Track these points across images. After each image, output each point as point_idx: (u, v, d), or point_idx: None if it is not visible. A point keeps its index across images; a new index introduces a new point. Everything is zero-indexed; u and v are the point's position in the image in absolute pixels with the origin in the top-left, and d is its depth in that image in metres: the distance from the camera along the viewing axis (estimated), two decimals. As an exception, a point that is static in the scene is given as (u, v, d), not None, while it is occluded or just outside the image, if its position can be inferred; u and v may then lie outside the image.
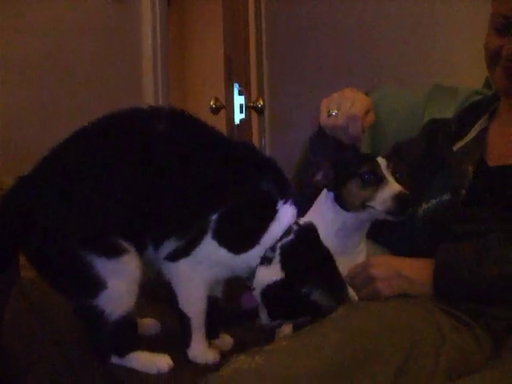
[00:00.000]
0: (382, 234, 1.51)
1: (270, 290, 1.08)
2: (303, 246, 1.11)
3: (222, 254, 1.10)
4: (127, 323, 1.09)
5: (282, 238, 1.10)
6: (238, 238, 1.11)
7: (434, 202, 1.40)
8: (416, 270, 1.21)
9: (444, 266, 1.18)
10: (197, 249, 1.10)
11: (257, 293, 1.11)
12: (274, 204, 1.12)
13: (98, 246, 1.05)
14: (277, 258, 1.08)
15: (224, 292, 1.25)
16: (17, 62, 2.54)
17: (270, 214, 1.11)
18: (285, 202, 1.13)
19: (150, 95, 3.00)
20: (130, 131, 1.09)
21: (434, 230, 1.36)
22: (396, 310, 1.06)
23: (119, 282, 1.06)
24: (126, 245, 1.06)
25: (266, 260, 1.10)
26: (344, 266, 1.28)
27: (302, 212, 1.34)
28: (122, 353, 1.10)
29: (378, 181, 1.21)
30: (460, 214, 1.31)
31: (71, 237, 1.05)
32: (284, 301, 1.09)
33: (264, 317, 1.12)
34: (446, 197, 1.37)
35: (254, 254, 1.11)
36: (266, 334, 1.22)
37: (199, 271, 1.12)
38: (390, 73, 2.24)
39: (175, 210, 1.08)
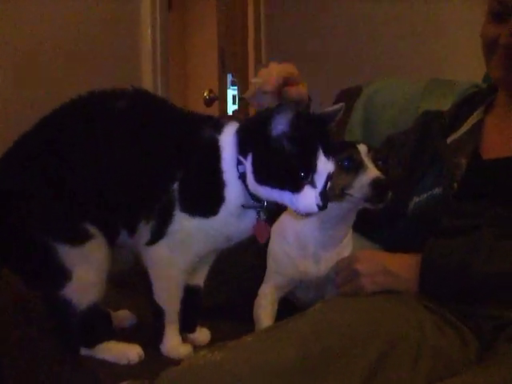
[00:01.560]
0: (372, 230, 1.47)
1: None
2: None
3: (195, 224, 1.06)
4: (95, 313, 1.06)
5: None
6: (202, 198, 1.06)
7: (425, 195, 1.35)
8: (402, 266, 1.16)
9: (431, 262, 1.13)
10: (170, 227, 1.06)
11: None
12: (216, 142, 1.06)
13: (61, 232, 1.02)
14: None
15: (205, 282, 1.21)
16: (13, 59, 2.50)
17: (216, 153, 1.05)
18: (221, 133, 1.07)
19: (149, 88, 2.96)
20: (90, 112, 1.06)
21: (424, 225, 1.31)
22: (375, 307, 1.01)
23: (85, 271, 1.03)
24: (91, 230, 1.03)
25: None
26: (329, 260, 1.25)
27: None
28: (91, 344, 1.07)
29: (357, 167, 1.16)
30: (451, 209, 1.26)
31: (33, 224, 1.02)
32: None
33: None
34: (437, 190, 1.32)
35: (229, 208, 1.05)
36: (246, 327, 1.18)
37: (178, 253, 1.08)
38: (389, 68, 2.20)
39: (135, 188, 1.05)
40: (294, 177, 0.98)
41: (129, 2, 2.91)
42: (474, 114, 1.43)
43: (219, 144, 1.06)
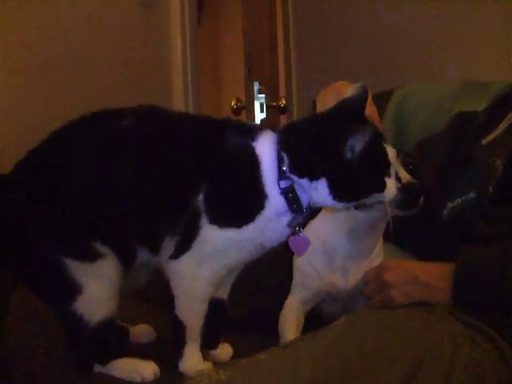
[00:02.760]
0: (404, 238, 1.40)
1: None
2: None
3: (227, 235, 1.01)
4: (107, 329, 1.02)
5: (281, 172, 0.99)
6: (235, 208, 1.01)
7: (459, 200, 1.28)
8: (434, 275, 1.09)
9: (465, 271, 1.05)
10: (197, 239, 1.01)
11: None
12: (252, 150, 1.01)
13: (71, 249, 0.99)
14: None
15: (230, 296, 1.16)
16: (38, 67, 2.52)
17: (254, 162, 1.00)
18: (255, 140, 1.01)
19: (180, 100, 2.96)
20: (97, 130, 1.03)
21: (459, 232, 1.24)
22: (404, 321, 0.95)
23: (96, 286, 1.00)
24: (102, 249, 1.00)
25: None
26: (358, 272, 1.18)
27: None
28: (104, 360, 1.04)
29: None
30: (487, 214, 1.18)
31: (44, 239, 1.00)
32: None
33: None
34: (472, 195, 1.24)
35: (266, 217, 1.00)
36: (270, 342, 1.13)
37: (205, 267, 1.03)
38: (419, 73, 2.13)
39: (154, 206, 1.01)
40: (379, 182, 1.00)
41: (158, 17, 2.91)
42: (510, 113, 1.35)
43: (256, 153, 1.01)
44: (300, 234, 1.04)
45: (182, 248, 1.02)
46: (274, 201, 1.00)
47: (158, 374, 1.02)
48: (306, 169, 0.99)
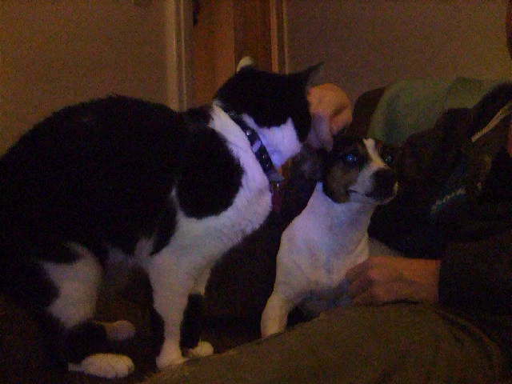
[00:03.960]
0: (392, 235, 1.38)
1: None
2: None
3: (206, 224, 0.98)
4: (83, 331, 0.99)
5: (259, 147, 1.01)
6: (212, 195, 0.99)
7: (448, 197, 1.25)
8: (420, 272, 1.06)
9: (451, 268, 1.02)
10: (175, 234, 0.98)
11: None
12: (212, 131, 0.99)
13: (46, 251, 0.96)
14: None
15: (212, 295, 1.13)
16: (34, 65, 2.51)
17: (220, 142, 0.99)
18: (209, 120, 1.00)
19: (174, 99, 2.94)
20: (58, 130, 1.00)
21: (447, 229, 1.21)
22: (385, 319, 0.91)
23: (73, 289, 0.97)
24: (78, 250, 0.97)
25: None
26: (342, 269, 1.16)
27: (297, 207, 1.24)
28: (78, 359, 1.01)
29: (361, 162, 1.07)
30: (475, 211, 1.16)
31: (19, 242, 0.97)
32: None
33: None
34: (460, 192, 1.21)
35: (248, 196, 0.99)
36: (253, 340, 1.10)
37: (185, 259, 1.00)
38: (413, 70, 2.10)
39: (123, 207, 0.97)
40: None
41: (153, 16, 2.90)
42: (501, 110, 1.32)
43: (218, 131, 0.99)
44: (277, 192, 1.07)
45: (160, 244, 0.99)
46: (252, 170, 0.99)
47: (133, 368, 0.99)
48: (274, 116, 1.02)
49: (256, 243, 1.29)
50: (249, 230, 1.03)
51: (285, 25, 2.66)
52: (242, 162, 0.99)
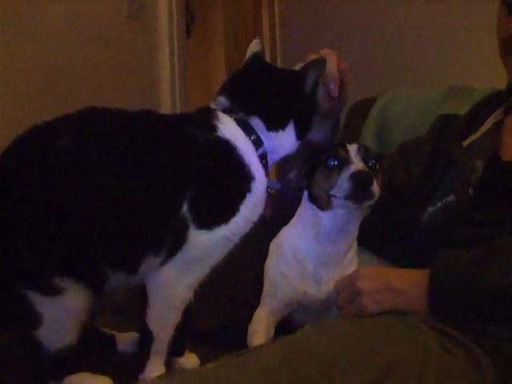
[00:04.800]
0: (385, 245, 1.34)
1: None
2: None
3: (216, 235, 0.96)
4: (66, 353, 0.96)
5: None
6: (223, 204, 0.96)
7: (439, 204, 1.22)
8: (409, 282, 1.03)
9: (440, 277, 0.99)
10: (184, 247, 0.95)
11: None
12: (221, 139, 0.97)
13: (30, 282, 0.93)
14: None
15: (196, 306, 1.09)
16: (29, 76, 2.49)
17: (230, 150, 0.97)
18: (216, 128, 0.97)
19: (168, 111, 2.92)
20: (38, 157, 0.92)
21: (439, 236, 1.18)
22: (372, 330, 0.88)
23: (57, 319, 0.94)
24: (63, 284, 0.92)
25: None
26: (331, 280, 1.12)
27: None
28: (58, 377, 0.98)
29: (342, 165, 1.05)
30: (466, 217, 1.13)
31: (5, 271, 0.93)
32: None
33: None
34: (451, 198, 1.18)
35: (254, 200, 0.98)
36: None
37: (189, 272, 0.98)
38: (407, 78, 2.09)
39: (134, 229, 0.92)
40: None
41: (146, 29, 2.89)
42: (493, 115, 1.29)
43: (228, 140, 0.97)
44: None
45: (168, 257, 0.96)
46: (260, 176, 0.99)
47: None
48: (280, 118, 1.02)
49: (243, 253, 1.26)
50: (245, 232, 1.02)
51: (277, 36, 2.66)
52: (252, 169, 0.97)
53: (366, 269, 1.09)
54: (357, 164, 1.03)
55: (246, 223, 0.99)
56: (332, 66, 1.08)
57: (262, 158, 1.01)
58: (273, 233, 1.21)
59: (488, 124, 1.28)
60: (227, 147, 0.96)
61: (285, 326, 1.17)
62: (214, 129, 0.97)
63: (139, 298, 1.00)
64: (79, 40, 2.62)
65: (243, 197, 0.96)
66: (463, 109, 1.48)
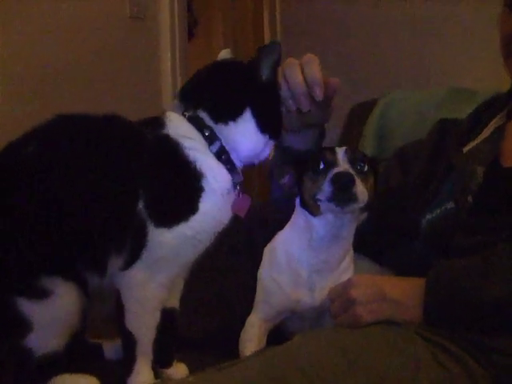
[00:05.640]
0: (383, 253, 1.32)
1: None
2: None
3: (178, 233, 0.93)
4: (53, 358, 0.94)
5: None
6: (177, 201, 0.94)
7: (438, 211, 1.19)
8: (405, 291, 1.00)
9: (437, 286, 0.97)
10: (147, 247, 0.93)
11: None
12: (167, 137, 0.95)
13: (18, 288, 0.92)
14: None
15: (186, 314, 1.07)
16: (31, 77, 2.48)
17: (176, 147, 0.94)
18: (165, 126, 0.95)
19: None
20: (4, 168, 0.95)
21: (438, 244, 1.15)
22: (363, 341, 0.86)
23: (46, 324, 0.93)
24: (51, 284, 0.91)
25: None
26: (325, 287, 1.10)
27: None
28: (43, 379, 0.96)
29: (328, 169, 1.02)
30: (465, 224, 1.10)
31: None
32: None
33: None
34: (450, 205, 1.16)
35: (213, 198, 0.95)
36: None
37: (159, 271, 0.95)
38: (408, 80, 2.06)
39: (94, 226, 0.92)
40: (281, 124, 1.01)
41: (148, 30, 2.87)
42: (494, 120, 1.26)
43: (172, 137, 0.95)
44: (240, 195, 1.00)
45: (132, 258, 0.95)
46: (213, 173, 0.95)
47: None
48: (229, 109, 0.97)
49: (235, 260, 1.24)
50: (219, 229, 0.99)
51: (278, 38, 2.64)
52: (199, 166, 0.94)
53: (361, 277, 1.06)
54: (342, 166, 1.00)
55: (210, 221, 0.96)
56: (315, 69, 1.05)
57: (220, 153, 0.96)
58: (266, 238, 1.19)
59: (489, 129, 1.25)
60: (171, 144, 0.95)
61: (277, 335, 1.15)
62: (162, 127, 0.96)
63: (115, 301, 0.98)
64: (81, 41, 2.60)
65: (197, 194, 0.94)
66: (465, 112, 1.45)
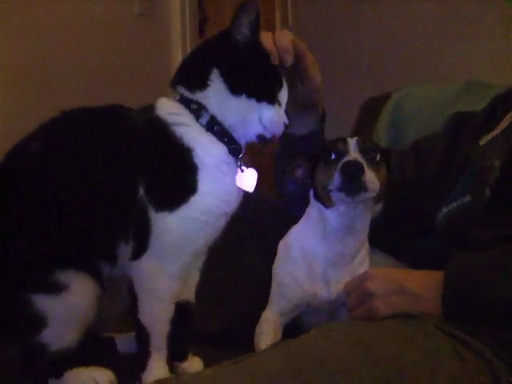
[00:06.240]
0: (399, 247, 1.30)
1: None
2: None
3: (180, 215, 0.93)
4: (67, 353, 0.95)
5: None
6: (174, 183, 0.93)
7: (454, 205, 1.17)
8: (422, 284, 0.99)
9: (455, 279, 0.95)
10: (153, 234, 0.93)
11: None
12: (156, 119, 0.95)
13: (33, 284, 0.92)
14: None
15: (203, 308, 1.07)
16: (41, 74, 2.48)
17: (165, 127, 0.94)
18: (154, 109, 0.96)
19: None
20: (11, 164, 0.97)
21: (455, 238, 1.13)
22: (381, 334, 0.84)
23: (62, 319, 0.93)
24: (65, 278, 0.92)
25: None
26: (341, 281, 1.09)
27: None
28: (58, 374, 0.96)
29: (339, 159, 1.01)
30: (483, 218, 1.08)
31: (5, 277, 0.93)
32: None
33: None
34: (467, 198, 1.14)
35: (209, 174, 0.93)
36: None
37: (169, 261, 0.95)
38: (422, 74, 2.05)
39: (98, 214, 0.93)
40: (271, 86, 0.95)
41: (157, 27, 2.87)
42: (510, 112, 1.25)
43: (160, 117, 0.95)
44: (243, 168, 0.97)
45: (141, 247, 0.94)
46: (201, 146, 0.94)
47: (115, 382, 0.96)
48: (196, 74, 0.96)
49: (250, 254, 1.23)
50: (228, 210, 0.97)
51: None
52: (186, 140, 0.93)
53: (377, 270, 1.05)
54: (352, 156, 0.99)
55: (212, 200, 0.94)
56: (282, 39, 1.04)
57: (211, 124, 0.94)
58: (282, 232, 1.18)
59: (506, 122, 1.23)
60: (158, 124, 0.95)
61: (293, 329, 1.14)
62: (152, 110, 0.97)
63: (129, 295, 0.98)
64: (90, 38, 2.60)
65: (192, 172, 0.93)
66: (480, 106, 1.44)
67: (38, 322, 0.92)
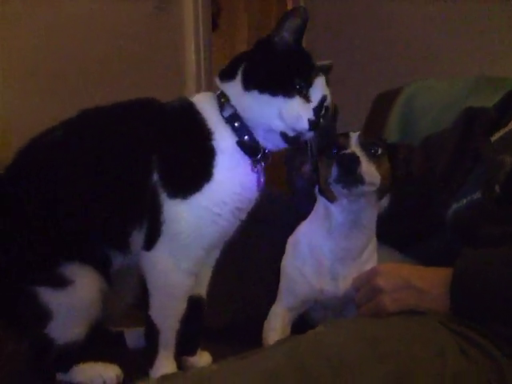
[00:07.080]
0: (407, 242, 1.30)
1: None
2: None
3: (193, 204, 0.93)
4: (74, 347, 0.97)
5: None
6: (190, 169, 0.95)
7: (464, 201, 1.17)
8: (431, 281, 0.99)
9: (464, 275, 0.95)
10: (165, 222, 0.94)
11: None
12: (190, 105, 0.98)
13: (40, 277, 0.95)
14: None
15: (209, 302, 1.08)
16: (57, 70, 2.49)
17: (194, 115, 0.97)
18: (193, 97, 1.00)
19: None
20: (33, 150, 1.00)
21: (465, 234, 1.13)
22: (388, 331, 0.84)
23: (68, 313, 0.95)
24: (71, 272, 0.94)
25: None
26: (349, 276, 1.09)
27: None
28: (66, 368, 0.99)
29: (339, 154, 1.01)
30: (493, 214, 1.07)
31: (12, 268, 0.96)
32: None
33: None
34: (477, 195, 1.13)
35: (225, 164, 0.95)
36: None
37: (183, 254, 0.96)
38: (429, 68, 2.04)
39: (114, 203, 0.95)
40: (287, 80, 0.94)
41: (172, 22, 2.87)
42: (524, 108, 1.24)
43: (191, 102, 0.98)
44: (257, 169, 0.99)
45: (153, 235, 0.95)
46: (220, 132, 0.95)
47: (122, 377, 0.97)
48: (231, 67, 0.98)
49: (259, 249, 1.24)
50: (243, 206, 0.98)
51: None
52: (207, 124, 0.96)
53: (386, 266, 1.05)
54: (351, 149, 1.00)
55: (226, 192, 0.95)
56: None
57: (232, 119, 0.96)
58: (291, 228, 1.18)
59: (517, 118, 1.22)
60: (187, 109, 0.97)
61: (301, 325, 1.14)
62: (189, 99, 1.00)
63: (142, 291, 0.99)
64: (105, 33, 2.61)
65: (210, 157, 0.94)
66: (491, 101, 1.42)
67: (44, 315, 0.94)
